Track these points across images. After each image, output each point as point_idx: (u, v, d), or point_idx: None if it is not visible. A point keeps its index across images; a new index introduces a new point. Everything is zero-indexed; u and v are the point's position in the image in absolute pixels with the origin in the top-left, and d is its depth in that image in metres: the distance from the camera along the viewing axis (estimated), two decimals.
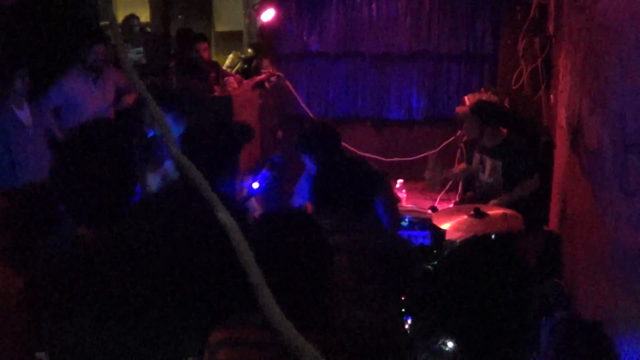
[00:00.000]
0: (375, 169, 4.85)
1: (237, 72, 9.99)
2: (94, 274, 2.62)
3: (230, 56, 10.55)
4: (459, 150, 7.90)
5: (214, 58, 9.84)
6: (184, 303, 2.67)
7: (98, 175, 2.61)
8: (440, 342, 3.73)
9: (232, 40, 11.54)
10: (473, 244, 2.55)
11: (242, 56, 10.47)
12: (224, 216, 1.30)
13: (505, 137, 6.59)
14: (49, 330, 2.71)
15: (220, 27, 11.82)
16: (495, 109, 6.93)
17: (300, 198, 5.08)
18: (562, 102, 6.41)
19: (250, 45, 10.30)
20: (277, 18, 9.10)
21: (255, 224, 2.82)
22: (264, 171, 5.13)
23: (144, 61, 9.90)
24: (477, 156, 6.76)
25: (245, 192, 4.80)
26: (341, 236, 3.28)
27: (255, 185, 4.98)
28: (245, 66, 10.17)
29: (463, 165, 7.22)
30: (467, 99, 8.14)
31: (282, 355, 2.38)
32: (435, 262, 5.14)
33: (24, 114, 6.17)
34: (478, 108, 6.75)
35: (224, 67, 9.95)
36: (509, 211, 5.65)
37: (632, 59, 3.82)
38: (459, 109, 7.74)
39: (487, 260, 2.37)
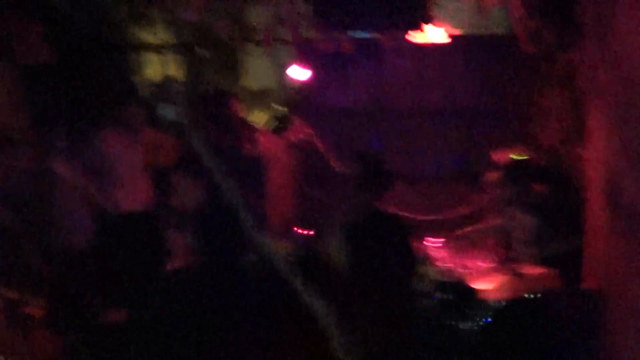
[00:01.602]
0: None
1: (266, 128, 10.10)
2: None
3: (260, 113, 10.68)
4: (491, 207, 7.89)
5: (243, 115, 9.95)
6: None
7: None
8: None
9: (261, 96, 11.66)
10: (514, 308, 2.65)
11: (272, 113, 10.59)
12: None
13: (539, 193, 6.60)
14: None
15: (249, 84, 11.92)
16: (524, 169, 6.93)
17: None
18: (595, 159, 6.41)
19: (280, 102, 10.41)
20: (308, 75, 9.19)
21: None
22: None
23: (182, 120, 10.06)
24: (510, 212, 6.77)
25: None
26: None
27: None
28: (276, 123, 10.30)
29: (496, 222, 7.22)
30: (498, 156, 8.16)
31: None
32: (471, 321, 5.17)
33: (63, 171, 6.32)
34: (507, 173, 6.76)
35: (253, 124, 10.07)
36: (545, 270, 5.64)
37: None
38: (489, 177, 7.73)
39: (529, 324, 2.47)
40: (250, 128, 8.91)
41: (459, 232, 7.17)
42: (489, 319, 5.09)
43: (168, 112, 9.98)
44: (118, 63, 8.66)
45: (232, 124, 8.38)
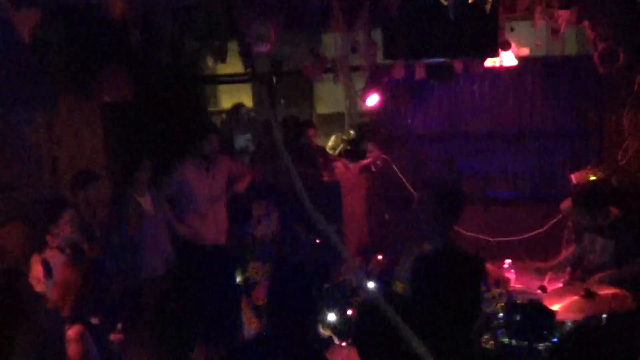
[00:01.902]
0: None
1: (339, 153, 10.21)
2: None
3: (333, 138, 10.79)
4: (566, 230, 7.82)
5: (319, 141, 10.07)
6: None
7: None
8: None
9: (333, 122, 11.76)
10: (586, 330, 2.64)
11: (345, 138, 10.69)
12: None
13: (617, 216, 6.52)
14: None
15: (321, 110, 11.98)
16: (600, 193, 6.83)
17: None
18: None
19: (352, 127, 10.50)
20: (381, 101, 9.26)
21: None
22: None
23: (252, 148, 10.24)
24: (587, 236, 6.70)
25: None
26: None
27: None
28: (348, 147, 10.40)
29: (570, 250, 7.17)
30: (574, 177, 8.11)
31: None
32: (547, 344, 5.16)
33: (146, 203, 6.53)
34: (581, 200, 6.69)
35: (326, 149, 10.20)
36: (619, 291, 5.55)
37: None
38: (563, 205, 7.66)
39: (601, 346, 2.46)
40: (326, 155, 9.03)
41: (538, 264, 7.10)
42: (557, 339, 5.11)
43: (242, 141, 10.21)
44: (194, 95, 8.91)
45: (309, 151, 8.52)
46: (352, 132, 10.59)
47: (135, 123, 7.42)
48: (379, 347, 2.86)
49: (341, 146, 10.58)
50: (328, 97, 12.02)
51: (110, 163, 7.11)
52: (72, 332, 4.05)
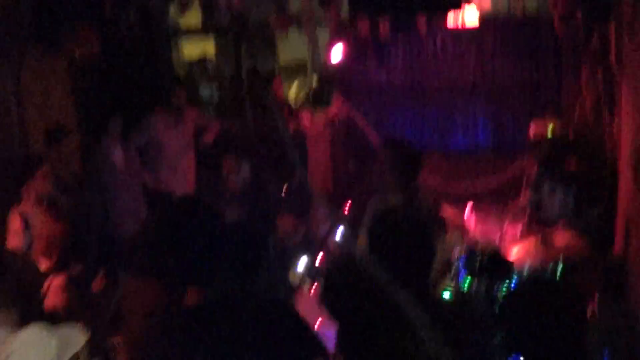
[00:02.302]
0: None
1: (302, 101, 10.33)
2: None
3: (295, 84, 10.88)
4: (524, 179, 8.08)
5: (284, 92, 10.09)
6: None
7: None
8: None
9: (296, 70, 11.73)
10: (541, 277, 2.86)
11: (307, 86, 10.80)
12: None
13: (575, 167, 6.79)
14: None
15: (284, 58, 11.92)
16: (557, 149, 7.09)
17: None
18: (625, 133, 6.61)
19: (315, 76, 10.58)
20: (345, 56, 9.39)
21: None
22: None
23: (216, 100, 10.35)
24: (547, 185, 6.96)
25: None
26: None
27: None
28: (311, 94, 10.50)
29: (530, 194, 7.43)
30: (532, 130, 8.33)
31: None
32: (504, 289, 5.45)
33: (117, 156, 6.66)
34: (540, 159, 6.96)
35: (289, 96, 10.32)
36: (573, 238, 5.83)
37: None
38: (524, 149, 7.90)
39: (555, 292, 2.67)
40: (290, 106, 9.17)
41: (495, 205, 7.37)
42: (515, 285, 5.38)
43: (209, 92, 10.30)
44: (159, 48, 8.96)
45: (274, 103, 8.65)
46: (315, 78, 10.66)
47: (104, 78, 7.49)
48: (348, 301, 2.96)
49: (304, 94, 10.68)
50: (291, 47, 12.00)
51: (79, 117, 7.18)
52: (56, 282, 4.20)
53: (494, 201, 8.83)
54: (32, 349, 2.97)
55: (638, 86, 5.93)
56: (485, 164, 9.39)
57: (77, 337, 3.18)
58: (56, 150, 5.92)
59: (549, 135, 7.63)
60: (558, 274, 5.82)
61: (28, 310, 3.43)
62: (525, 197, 7.64)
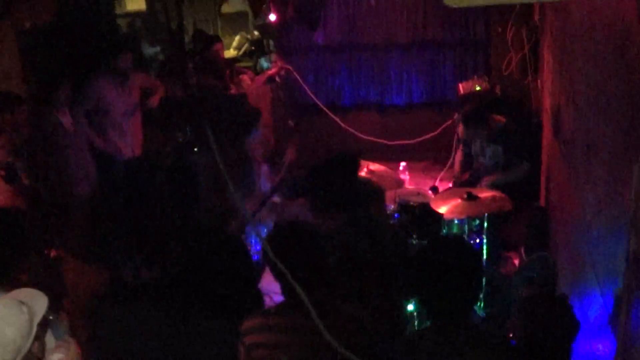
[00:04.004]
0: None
1: (244, 53, 10.54)
2: None
3: (237, 38, 11.04)
4: (455, 135, 8.46)
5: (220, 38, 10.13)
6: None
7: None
8: None
9: (237, 21, 11.70)
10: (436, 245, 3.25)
11: (249, 37, 11.00)
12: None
13: (503, 123, 7.19)
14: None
15: (225, 9, 11.79)
16: (483, 107, 7.47)
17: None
18: (547, 89, 7.05)
19: (256, 27, 10.77)
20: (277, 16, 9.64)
21: None
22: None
23: (161, 57, 10.49)
24: (478, 141, 7.35)
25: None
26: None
27: None
28: (252, 48, 10.71)
29: (459, 148, 7.86)
30: (462, 87, 8.77)
31: (298, 336, 3.16)
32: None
33: (66, 120, 6.87)
34: (467, 117, 7.35)
35: (231, 49, 10.50)
36: (498, 194, 6.23)
37: (594, 69, 4.43)
38: (454, 104, 8.29)
39: (447, 257, 3.07)
40: (232, 68, 9.41)
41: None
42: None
43: (153, 51, 10.45)
44: (104, 10, 9.08)
45: (217, 64, 8.88)
46: (255, 32, 10.86)
47: (51, 44, 7.62)
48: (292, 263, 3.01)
49: (245, 46, 10.89)
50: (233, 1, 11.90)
51: (28, 84, 7.32)
52: None
53: (428, 155, 9.32)
54: (8, 323, 3.04)
55: (556, 44, 6.32)
56: (420, 119, 9.78)
57: (40, 301, 3.24)
58: (10, 118, 6.06)
59: (474, 96, 8.04)
60: (485, 226, 6.31)
61: None
62: (456, 153, 8.08)
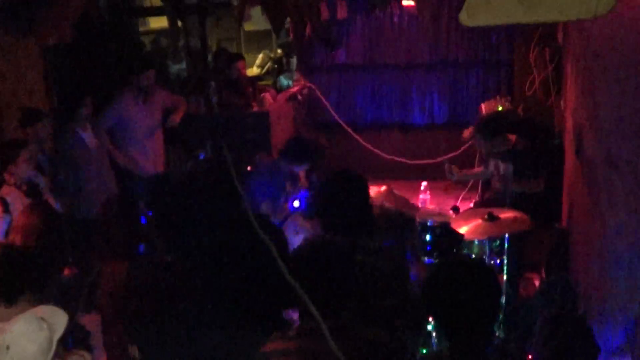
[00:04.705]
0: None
1: (267, 71, 10.56)
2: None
3: (260, 56, 11.12)
4: (477, 155, 8.43)
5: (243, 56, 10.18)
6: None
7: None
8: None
9: (261, 39, 11.85)
10: (450, 267, 3.21)
11: (272, 56, 11.06)
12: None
13: (513, 142, 7.15)
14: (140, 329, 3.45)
15: (249, 27, 11.93)
16: (497, 122, 7.43)
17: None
18: (569, 109, 7.02)
19: (280, 45, 10.82)
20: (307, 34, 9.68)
21: None
22: (303, 191, 5.72)
23: (183, 75, 10.56)
24: (492, 161, 7.33)
25: (287, 210, 5.43)
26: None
27: (296, 203, 5.59)
28: (275, 66, 10.76)
29: (481, 168, 7.81)
30: (484, 107, 8.74)
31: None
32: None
33: (88, 137, 6.91)
34: (479, 128, 7.31)
35: (254, 67, 10.53)
36: (518, 214, 6.18)
37: (616, 89, 4.40)
38: (465, 133, 8.27)
39: (463, 277, 3.04)
40: (255, 86, 9.44)
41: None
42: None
43: (176, 69, 10.51)
44: (128, 29, 9.15)
45: (239, 83, 8.92)
46: (279, 50, 10.90)
47: (76, 61, 7.69)
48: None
49: (269, 64, 10.95)
50: (256, 14, 11.92)
51: (51, 100, 7.38)
52: None
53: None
54: (29, 340, 3.03)
55: (578, 65, 6.29)
56: (441, 139, 9.76)
57: (59, 318, 3.22)
58: (33, 133, 6.10)
59: (492, 113, 7.98)
60: (505, 247, 6.25)
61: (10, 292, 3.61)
62: (474, 173, 8.04)
